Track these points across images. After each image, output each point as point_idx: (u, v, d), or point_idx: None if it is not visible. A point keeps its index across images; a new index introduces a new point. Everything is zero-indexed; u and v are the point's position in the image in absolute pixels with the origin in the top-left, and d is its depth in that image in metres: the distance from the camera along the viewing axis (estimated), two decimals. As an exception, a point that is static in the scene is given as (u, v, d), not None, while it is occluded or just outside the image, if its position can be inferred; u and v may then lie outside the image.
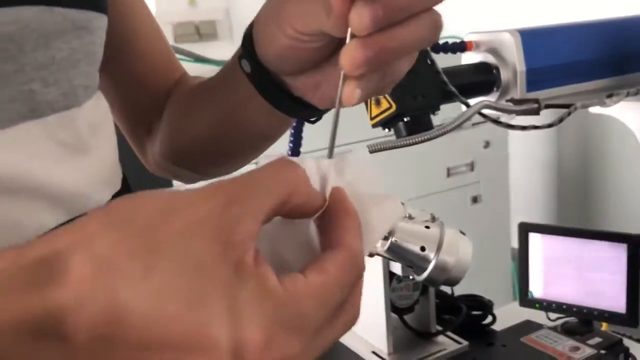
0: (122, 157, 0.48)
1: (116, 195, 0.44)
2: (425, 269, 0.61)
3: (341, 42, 0.32)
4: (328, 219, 0.29)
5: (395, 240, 0.62)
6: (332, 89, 0.38)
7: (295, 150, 0.66)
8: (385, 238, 0.63)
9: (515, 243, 2.33)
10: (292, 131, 0.66)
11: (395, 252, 0.63)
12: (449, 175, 2.05)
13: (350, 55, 0.31)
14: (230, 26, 2.30)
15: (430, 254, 0.61)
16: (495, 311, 0.99)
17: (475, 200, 2.13)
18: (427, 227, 0.62)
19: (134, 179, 0.50)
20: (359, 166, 0.32)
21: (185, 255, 0.23)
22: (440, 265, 0.60)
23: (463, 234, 0.68)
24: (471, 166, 2.09)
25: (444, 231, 0.61)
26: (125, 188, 0.47)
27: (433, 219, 0.76)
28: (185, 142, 0.54)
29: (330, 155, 0.33)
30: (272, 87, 0.43)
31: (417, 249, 0.61)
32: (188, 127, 0.53)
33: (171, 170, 0.59)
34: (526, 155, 2.52)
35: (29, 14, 0.35)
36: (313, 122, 0.48)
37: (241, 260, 0.24)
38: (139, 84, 0.57)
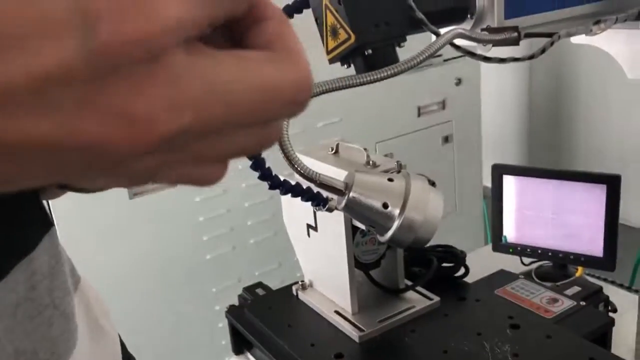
0: None
1: None
2: (388, 229, 0.52)
3: None
4: None
5: (354, 196, 0.53)
6: None
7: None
8: (342, 193, 0.53)
9: (487, 182, 2.28)
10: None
11: (354, 209, 0.53)
12: (419, 114, 1.96)
13: None
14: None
15: (395, 211, 0.52)
16: (468, 256, 0.90)
17: (446, 139, 2.05)
18: (390, 179, 0.53)
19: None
20: None
21: None
22: (406, 224, 0.51)
23: (432, 184, 0.59)
24: (442, 104, 2.00)
25: (410, 183, 0.52)
26: None
27: (400, 167, 0.68)
28: None
29: None
30: None
31: (379, 206, 0.52)
32: None
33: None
34: (498, 93, 2.45)
35: None
36: None
37: None
38: None
